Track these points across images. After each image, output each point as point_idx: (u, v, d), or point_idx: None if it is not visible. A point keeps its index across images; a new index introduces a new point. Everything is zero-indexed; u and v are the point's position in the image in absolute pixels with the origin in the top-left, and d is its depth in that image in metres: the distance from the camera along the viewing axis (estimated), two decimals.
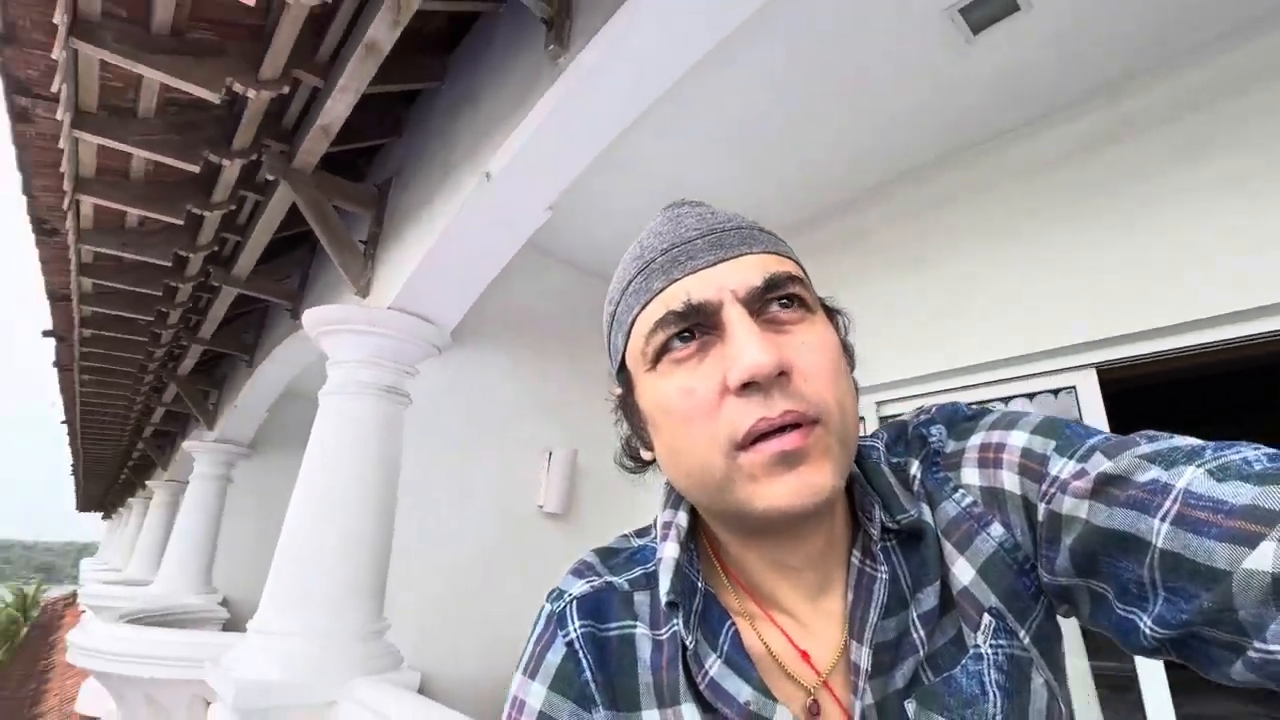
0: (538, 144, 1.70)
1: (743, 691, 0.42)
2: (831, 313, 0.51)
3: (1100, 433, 0.43)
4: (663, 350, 0.44)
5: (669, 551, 0.48)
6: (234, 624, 4.68)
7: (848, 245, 2.77)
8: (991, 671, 0.42)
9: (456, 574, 2.68)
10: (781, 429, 0.40)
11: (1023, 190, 2.22)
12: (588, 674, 0.46)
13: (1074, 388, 1.97)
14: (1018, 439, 0.45)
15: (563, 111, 1.61)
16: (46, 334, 4.01)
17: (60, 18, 1.52)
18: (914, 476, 0.49)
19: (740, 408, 0.41)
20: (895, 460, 0.51)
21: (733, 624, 0.46)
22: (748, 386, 0.40)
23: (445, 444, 2.78)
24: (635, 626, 0.48)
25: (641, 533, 0.56)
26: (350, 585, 1.99)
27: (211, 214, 2.59)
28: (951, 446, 0.49)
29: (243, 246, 2.96)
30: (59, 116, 1.85)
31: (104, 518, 19.43)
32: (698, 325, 0.43)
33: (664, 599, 0.46)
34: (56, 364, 4.68)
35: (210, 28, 1.83)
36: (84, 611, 6.71)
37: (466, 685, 2.55)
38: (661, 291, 0.45)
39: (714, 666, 0.44)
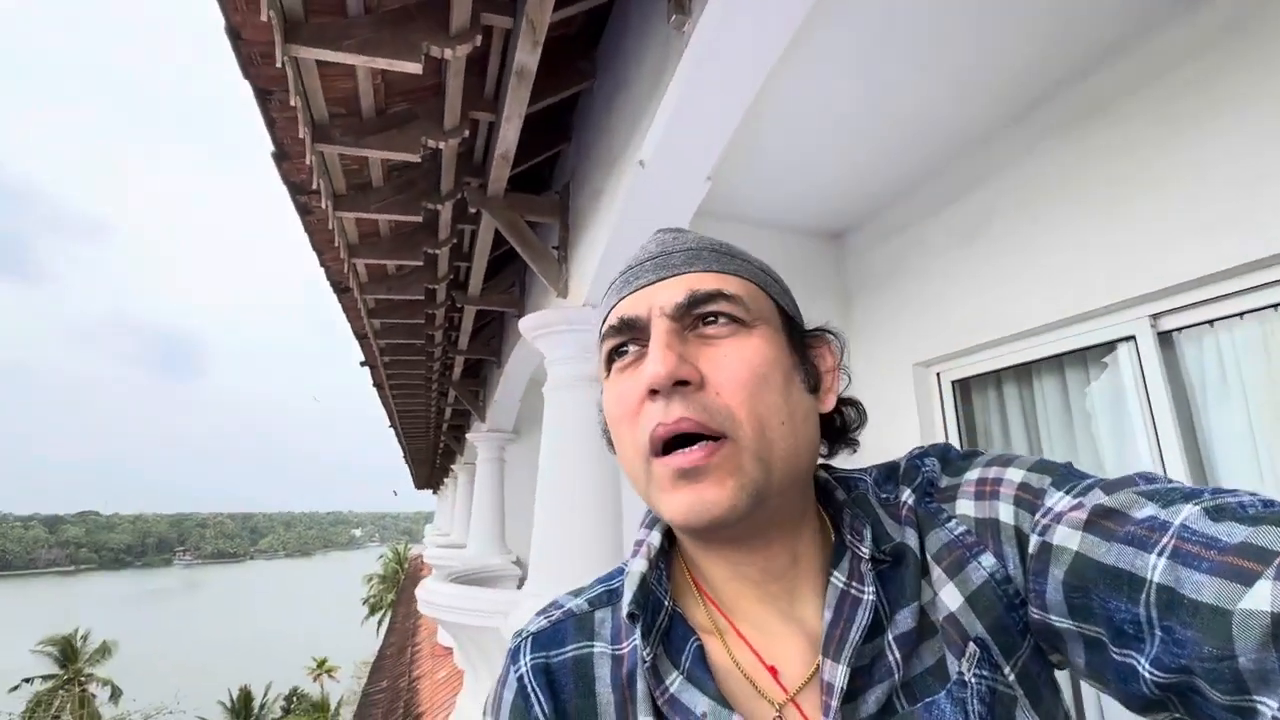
0: (680, 121, 1.67)
1: (699, 703, 0.43)
2: (806, 333, 0.52)
3: (1096, 475, 0.43)
4: (610, 360, 0.50)
5: (635, 567, 0.50)
6: (526, 580, 5.67)
7: (1066, 136, 2.20)
8: (974, 702, 0.41)
9: None
10: (690, 441, 0.42)
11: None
12: (537, 708, 0.48)
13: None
14: (1015, 474, 0.45)
15: (697, 83, 1.55)
16: (362, 364, 5.21)
17: (303, 130, 1.93)
18: (905, 504, 0.49)
19: (649, 412, 0.44)
20: (884, 495, 0.51)
21: (697, 640, 0.47)
22: (654, 394, 0.44)
23: None
24: (593, 646, 0.50)
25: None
26: (595, 552, 2.26)
27: (441, 251, 3.07)
28: (946, 481, 0.49)
29: (471, 270, 3.47)
30: (324, 205, 2.37)
31: (433, 493, 24.79)
32: (633, 339, 0.48)
33: (624, 610, 0.47)
34: (374, 384, 6.06)
35: (403, 99, 2.16)
36: (429, 566, 8.73)
37: None
38: (612, 309, 0.51)
39: (674, 683, 0.45)
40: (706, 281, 0.48)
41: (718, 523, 0.42)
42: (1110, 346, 2.08)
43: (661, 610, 0.48)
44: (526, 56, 1.83)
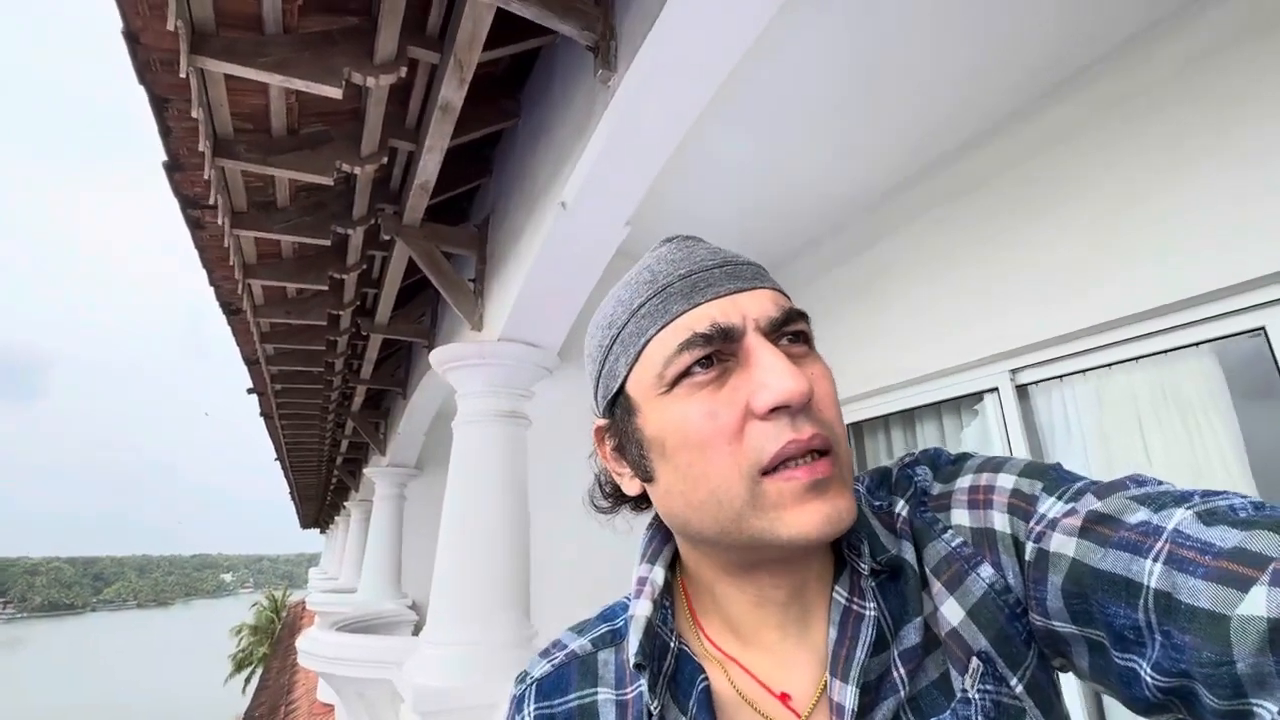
0: (603, 168, 1.74)
1: None
2: None
3: (1086, 476, 0.43)
4: (682, 375, 0.43)
5: (640, 610, 0.48)
6: (423, 625, 5.33)
7: (944, 209, 2.51)
8: (979, 718, 0.41)
9: (591, 580, 2.83)
10: (809, 455, 0.41)
11: (1165, 96, 1.87)
12: None
13: (1263, 329, 1.63)
14: (1006, 480, 0.45)
15: (621, 132, 1.63)
16: (250, 391, 4.81)
17: (204, 144, 1.82)
18: (899, 515, 0.49)
19: (767, 432, 0.41)
20: (877, 504, 0.51)
21: (705, 680, 0.45)
22: (775, 410, 0.41)
23: (569, 457, 2.93)
24: (597, 693, 0.49)
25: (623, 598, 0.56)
26: (498, 596, 2.19)
27: (349, 276, 2.95)
28: (939, 489, 0.49)
29: (379, 298, 3.34)
30: (220, 221, 2.22)
31: (320, 532, 22.86)
32: (718, 351, 0.43)
33: (631, 660, 0.46)
34: (262, 414, 5.59)
35: (318, 120, 2.09)
36: (313, 614, 7.99)
37: None
38: (685, 313, 0.44)
39: None
40: (785, 300, 0.47)
41: (842, 531, 0.41)
42: (979, 396, 2.33)
43: (668, 654, 0.47)
44: (452, 93, 1.84)
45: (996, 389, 2.24)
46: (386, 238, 2.66)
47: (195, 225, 2.34)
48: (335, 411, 5.60)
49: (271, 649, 23.17)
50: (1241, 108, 1.70)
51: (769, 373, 0.41)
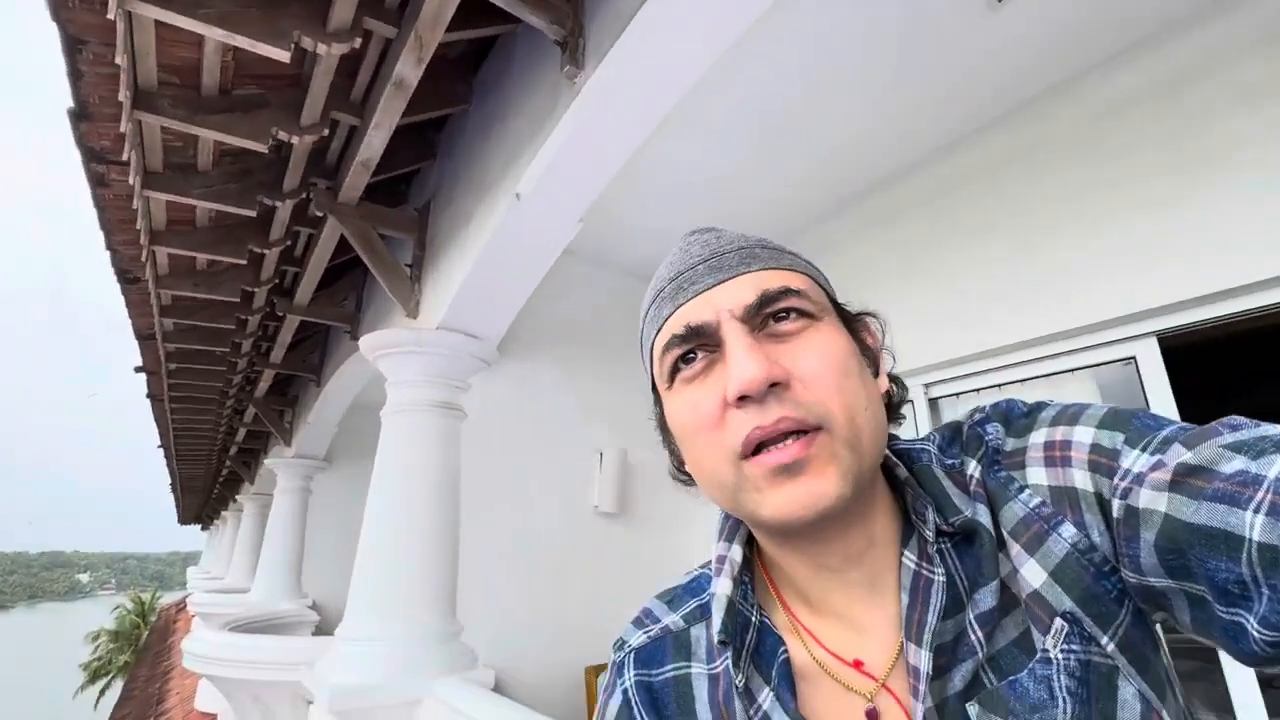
0: (562, 163, 1.75)
1: None
2: (853, 317, 0.52)
3: (1173, 422, 0.41)
4: (674, 370, 0.48)
5: (721, 588, 0.50)
6: (324, 626, 5.03)
7: (880, 228, 2.71)
8: (1062, 677, 0.40)
9: (522, 576, 2.81)
10: (783, 438, 0.41)
11: (1064, 155, 2.12)
12: (639, 718, 0.51)
13: (1134, 358, 1.88)
14: (1084, 434, 0.43)
15: (583, 130, 1.64)
16: (138, 370, 4.38)
17: (124, 93, 1.67)
18: (971, 476, 0.48)
19: (739, 419, 0.43)
20: (950, 462, 0.50)
21: (785, 652, 0.47)
22: (744, 399, 0.42)
23: (503, 452, 2.90)
24: (690, 666, 0.52)
25: (707, 564, 0.58)
26: (424, 592, 2.12)
27: (271, 251, 2.76)
28: (1012, 444, 0.47)
29: (301, 277, 3.15)
30: (131, 180, 2.03)
31: (202, 529, 20.99)
32: (701, 345, 0.46)
33: (716, 637, 0.48)
34: (149, 395, 5.10)
35: (254, 83, 1.96)
36: (194, 616, 7.33)
37: (538, 680, 2.67)
38: (670, 317, 0.48)
39: (766, 699, 0.46)
40: (771, 279, 0.47)
41: (828, 512, 0.41)
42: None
43: (749, 628, 0.49)
44: (409, 70, 1.79)
45: (913, 400, 2.43)
46: (318, 214, 2.52)
47: (99, 182, 2.12)
48: (236, 396, 5.19)
49: (135, 656, 20.97)
50: (1131, 162, 1.96)
51: (730, 365, 0.43)
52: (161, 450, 7.61)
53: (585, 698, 2.67)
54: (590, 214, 2.03)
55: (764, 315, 0.46)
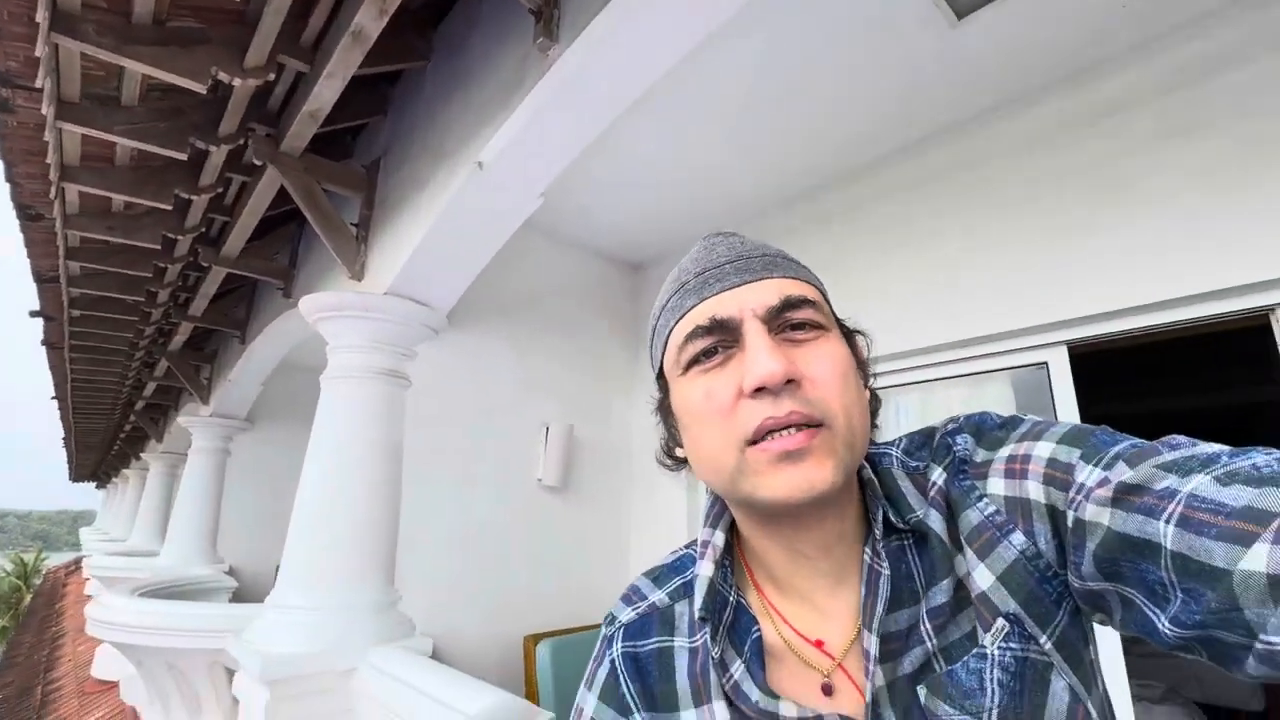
0: (528, 136, 1.72)
1: (753, 693, 0.51)
2: (850, 333, 0.58)
3: (1126, 439, 0.45)
4: (693, 360, 0.51)
5: (704, 570, 0.55)
6: (241, 593, 4.83)
7: (826, 226, 2.82)
8: (995, 670, 0.45)
9: (463, 546, 2.80)
10: (788, 428, 0.46)
11: (1001, 173, 2.27)
12: (624, 687, 0.57)
13: (1045, 363, 2.07)
14: (1044, 449, 0.47)
15: (553, 105, 1.62)
16: (34, 314, 3.99)
17: (41, 13, 1.50)
18: (934, 483, 0.52)
19: (752, 409, 0.47)
20: (914, 464, 0.55)
21: (757, 630, 0.53)
22: (759, 391, 0.47)
23: (448, 422, 2.86)
24: (672, 640, 0.58)
25: (691, 545, 0.65)
26: (362, 561, 2.09)
27: (199, 198, 2.58)
28: (981, 455, 0.52)
29: (231, 227, 2.95)
30: (43, 110, 1.83)
31: (98, 487, 19.49)
32: (721, 340, 0.50)
33: (696, 614, 0.54)
34: (45, 342, 4.66)
35: (193, 15, 1.80)
36: (88, 580, 6.85)
37: (476, 648, 2.70)
38: (693, 309, 0.52)
39: (738, 670, 0.52)
40: (792, 287, 0.52)
41: (821, 497, 0.46)
42: None
43: (727, 607, 0.54)
44: (369, 21, 1.70)
45: None
46: (256, 162, 2.37)
47: (3, 108, 1.90)
48: (148, 349, 4.83)
49: (15, 621, 19.38)
50: (1054, 187, 2.13)
51: (753, 358, 0.48)
52: (56, 401, 6.99)
53: (523, 666, 2.72)
54: (551, 189, 2.01)
55: (783, 320, 0.50)
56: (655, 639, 0.58)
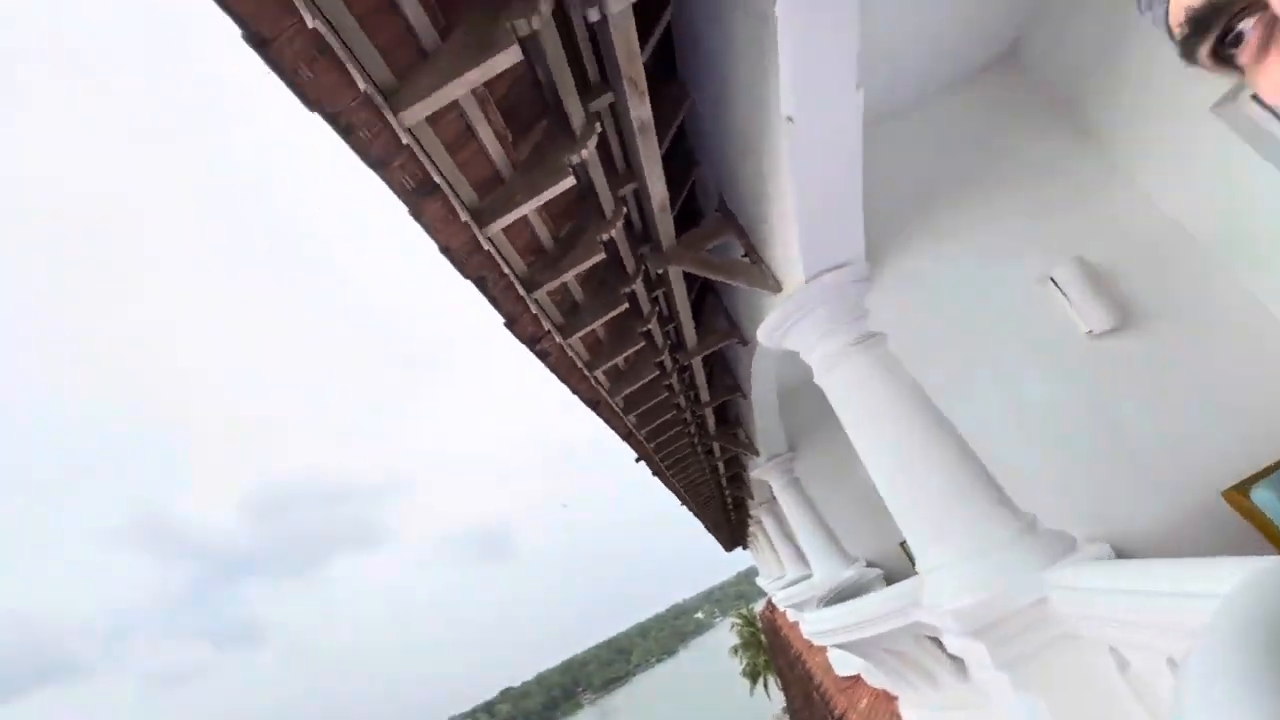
0: (805, 67, 1.62)
1: None
2: None
3: None
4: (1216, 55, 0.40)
5: None
6: (890, 576, 5.34)
7: None
8: None
9: (1035, 440, 2.48)
10: None
11: None
12: None
13: None
14: None
15: (801, 31, 1.50)
16: (636, 460, 5.63)
17: (520, 289, 2.23)
18: None
19: None
20: None
21: None
22: None
23: (945, 337, 2.69)
24: None
25: None
26: (968, 501, 2.05)
27: (652, 324, 3.26)
28: None
29: (679, 327, 3.62)
30: (558, 340, 2.67)
31: (743, 548, 25.14)
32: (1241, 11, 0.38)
33: None
34: (653, 473, 6.47)
35: (565, 219, 2.40)
36: (784, 610, 8.71)
37: (1151, 535, 2.27)
38: None
39: None
40: None
41: None
42: None
43: None
44: (640, 110, 1.93)
45: None
46: (659, 272, 2.89)
47: (544, 356, 2.87)
48: (698, 441, 6.18)
49: (768, 654, 25.87)
50: None
51: None
52: (684, 506, 9.53)
53: (1237, 525, 2.14)
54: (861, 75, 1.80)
55: None
56: None
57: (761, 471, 6.14)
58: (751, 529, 14.57)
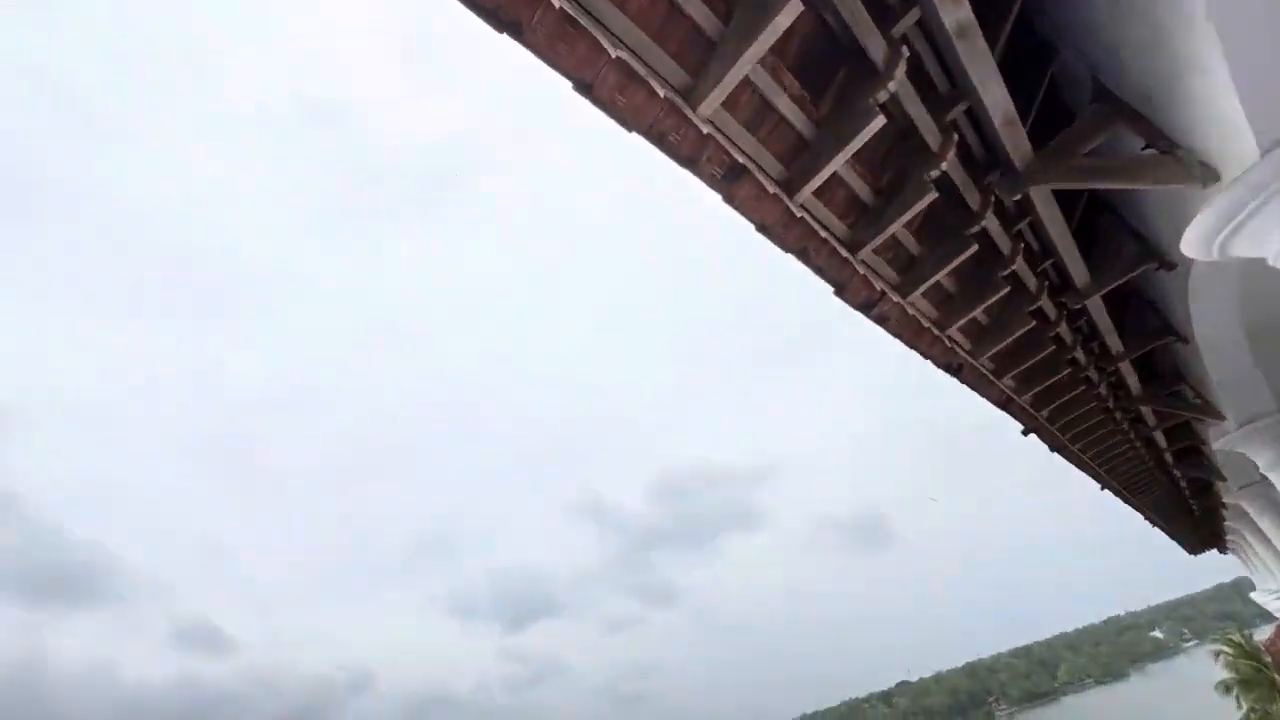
0: None
1: None
2: None
3: None
4: None
5: None
6: None
7: None
8: None
9: None
10: None
11: None
12: None
13: None
14: None
15: None
16: (1024, 433, 4.72)
17: (878, 284, 2.15)
18: None
19: None
20: None
21: None
22: None
23: None
24: None
25: None
26: None
27: (1017, 264, 2.72)
28: None
29: (1061, 265, 2.92)
30: (939, 334, 2.47)
31: (1220, 551, 18.62)
32: None
33: None
34: (1054, 448, 5.31)
35: (883, 167, 2.21)
36: None
37: None
38: None
39: None
40: None
41: None
42: None
43: None
44: (957, 12, 1.65)
45: None
46: (1015, 199, 2.39)
47: (882, 320, 2.67)
48: (1116, 405, 4.83)
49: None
50: None
51: None
52: (1108, 492, 7.57)
53: None
54: None
55: None
56: None
57: (1232, 442, 4.45)
58: (1230, 524, 10.65)
